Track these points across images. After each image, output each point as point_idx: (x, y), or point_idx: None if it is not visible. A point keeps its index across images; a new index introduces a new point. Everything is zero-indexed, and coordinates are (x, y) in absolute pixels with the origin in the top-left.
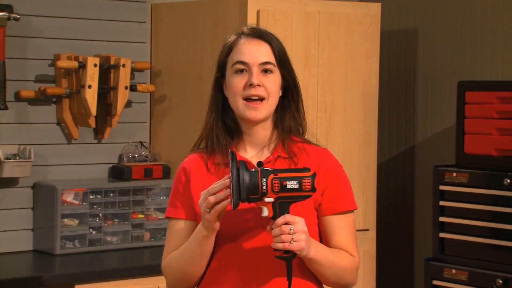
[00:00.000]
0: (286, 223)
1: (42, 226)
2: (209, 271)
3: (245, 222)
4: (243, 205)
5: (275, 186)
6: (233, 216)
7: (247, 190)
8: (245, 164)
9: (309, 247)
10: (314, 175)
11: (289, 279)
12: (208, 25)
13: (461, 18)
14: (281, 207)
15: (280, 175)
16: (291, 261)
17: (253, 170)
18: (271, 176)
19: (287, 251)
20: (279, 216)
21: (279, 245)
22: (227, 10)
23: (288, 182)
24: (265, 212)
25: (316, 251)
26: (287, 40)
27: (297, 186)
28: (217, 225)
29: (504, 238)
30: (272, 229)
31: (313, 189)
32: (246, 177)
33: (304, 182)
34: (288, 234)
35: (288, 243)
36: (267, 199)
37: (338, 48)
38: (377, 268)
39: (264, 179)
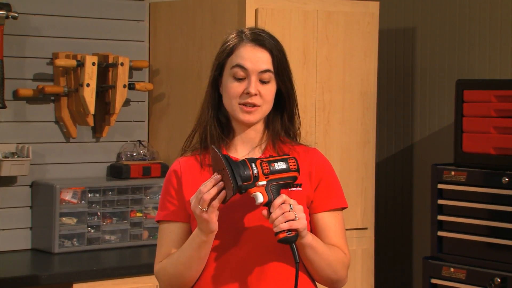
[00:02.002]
0: (283, 203)
1: (41, 224)
2: (205, 271)
3: (237, 219)
4: (233, 203)
5: (265, 169)
6: (224, 215)
7: (240, 178)
8: (229, 157)
9: (307, 231)
10: (295, 158)
11: (296, 262)
12: (206, 24)
13: (459, 16)
14: (274, 191)
15: (266, 159)
16: (295, 243)
17: (239, 160)
18: (259, 161)
19: (289, 231)
20: (274, 199)
21: (285, 225)
22: (225, 8)
23: (276, 163)
24: (260, 199)
25: (312, 237)
26: (285, 38)
27: (285, 166)
28: (216, 225)
29: (502, 237)
30: (270, 212)
31: (298, 169)
32: (236, 165)
33: (290, 162)
34: (290, 212)
35: (293, 221)
36: (260, 183)
37: (337, 46)
38: (375, 266)
39: (253, 164)
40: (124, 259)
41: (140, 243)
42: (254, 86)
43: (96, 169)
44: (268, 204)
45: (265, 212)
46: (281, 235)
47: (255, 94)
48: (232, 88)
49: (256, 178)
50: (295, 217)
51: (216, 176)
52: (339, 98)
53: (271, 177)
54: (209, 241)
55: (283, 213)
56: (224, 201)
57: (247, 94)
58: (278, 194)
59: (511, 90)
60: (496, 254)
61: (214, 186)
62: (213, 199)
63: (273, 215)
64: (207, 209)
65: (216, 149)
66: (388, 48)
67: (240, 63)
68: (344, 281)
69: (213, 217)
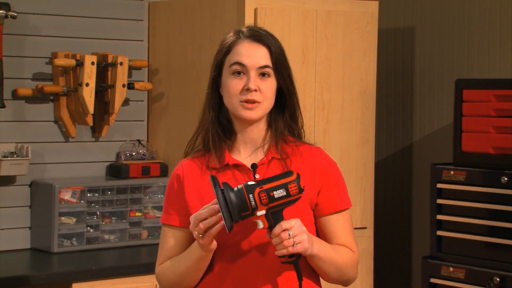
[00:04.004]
0: (283, 230)
1: (40, 224)
2: (207, 279)
3: (240, 235)
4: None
5: (263, 199)
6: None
7: (237, 210)
8: (228, 184)
9: (311, 244)
10: (298, 177)
11: (300, 280)
12: (205, 23)
13: (458, 16)
14: (274, 216)
15: (265, 186)
16: (298, 263)
17: (236, 188)
18: (257, 190)
19: (291, 255)
20: (275, 225)
21: (284, 251)
22: (224, 8)
23: (275, 192)
24: (261, 225)
25: (319, 248)
26: (284, 38)
27: (284, 193)
28: (214, 245)
29: (501, 236)
30: (272, 238)
31: (301, 191)
32: (233, 197)
33: (291, 187)
34: (289, 239)
35: (291, 247)
36: (259, 213)
37: (336, 46)
38: (374, 266)
39: (251, 195)
40: (123, 258)
41: (139, 243)
42: (253, 81)
43: (95, 168)
44: (270, 228)
45: (268, 235)
46: (283, 259)
47: (255, 90)
48: (232, 86)
49: (255, 208)
50: (294, 243)
51: (214, 206)
52: (338, 98)
53: (271, 205)
54: (208, 256)
55: (282, 242)
56: (228, 231)
57: (247, 90)
58: (280, 215)
59: (511, 90)
60: (495, 254)
61: (210, 216)
62: (210, 227)
63: (273, 242)
64: (203, 236)
65: (212, 181)
66: (387, 48)
67: (238, 60)
68: (354, 279)
69: (209, 242)
